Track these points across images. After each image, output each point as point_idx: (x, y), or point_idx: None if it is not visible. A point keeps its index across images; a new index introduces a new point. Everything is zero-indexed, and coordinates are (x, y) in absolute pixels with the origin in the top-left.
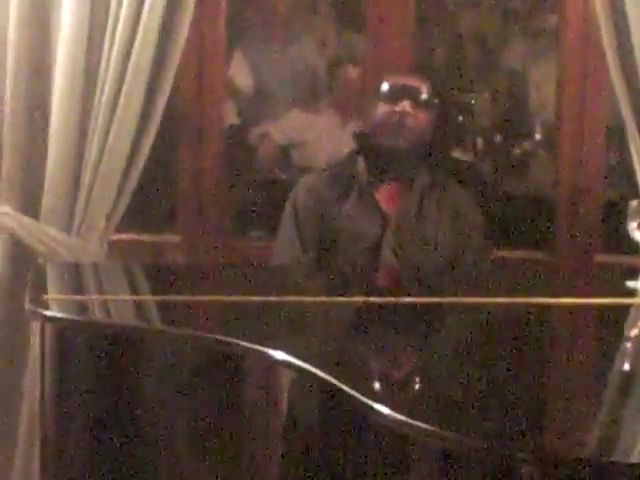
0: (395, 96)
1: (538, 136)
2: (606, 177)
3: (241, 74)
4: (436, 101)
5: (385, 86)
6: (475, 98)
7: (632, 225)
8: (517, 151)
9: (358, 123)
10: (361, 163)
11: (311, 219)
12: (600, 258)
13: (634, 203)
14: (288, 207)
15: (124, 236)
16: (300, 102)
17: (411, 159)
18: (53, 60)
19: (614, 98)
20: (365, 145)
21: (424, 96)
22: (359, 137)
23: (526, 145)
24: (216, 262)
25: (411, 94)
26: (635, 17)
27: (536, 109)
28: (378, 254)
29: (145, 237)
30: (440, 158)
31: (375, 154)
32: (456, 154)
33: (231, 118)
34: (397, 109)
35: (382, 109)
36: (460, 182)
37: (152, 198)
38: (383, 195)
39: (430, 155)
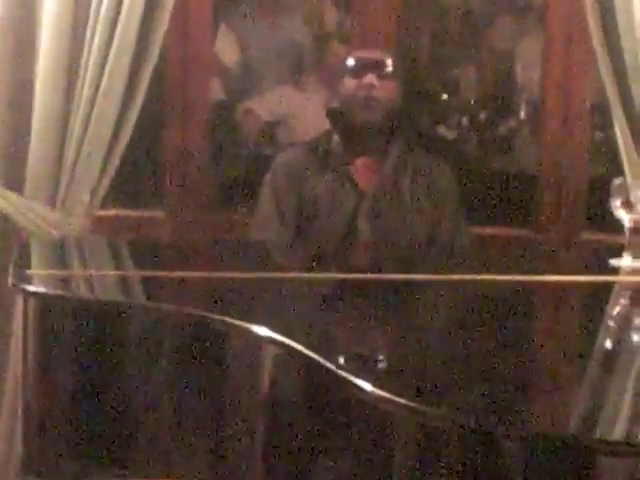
0: (360, 70)
1: (523, 114)
2: (590, 155)
3: (227, 50)
4: (400, 72)
5: (350, 61)
6: (460, 75)
7: (615, 203)
8: (502, 129)
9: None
10: (335, 139)
11: (288, 195)
12: (585, 236)
13: (617, 181)
14: (266, 184)
15: (109, 212)
16: (286, 78)
17: (383, 132)
18: (37, 34)
19: (598, 76)
20: (337, 121)
21: (389, 68)
22: (332, 113)
23: (511, 123)
24: (200, 238)
25: (376, 67)
26: None
27: (522, 87)
28: (355, 228)
29: (130, 213)
30: (413, 129)
31: (347, 129)
32: (440, 131)
33: (217, 94)
34: (364, 82)
35: (349, 84)
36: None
37: (137, 174)
38: (358, 169)
39: (402, 126)
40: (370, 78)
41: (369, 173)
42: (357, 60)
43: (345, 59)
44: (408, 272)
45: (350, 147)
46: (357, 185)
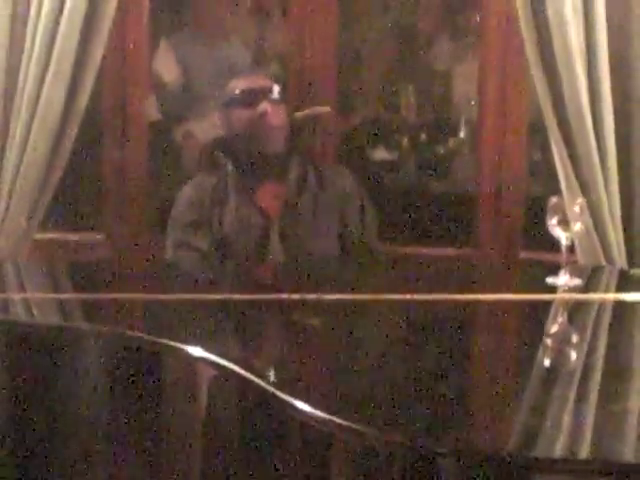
0: (252, 99)
1: (462, 134)
2: (528, 175)
3: (166, 71)
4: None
5: (237, 90)
6: (400, 96)
7: (551, 222)
8: (441, 150)
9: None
10: (229, 167)
11: (196, 228)
12: (523, 255)
13: (553, 199)
14: (172, 219)
15: (47, 235)
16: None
17: (281, 157)
18: None
19: (535, 96)
20: (230, 152)
21: (277, 94)
22: (220, 145)
23: (451, 143)
24: (137, 260)
25: (266, 94)
26: (554, 16)
27: (460, 107)
28: (267, 253)
29: (69, 236)
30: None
31: (244, 159)
32: (380, 152)
33: (155, 115)
34: (258, 111)
35: (241, 114)
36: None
37: (76, 196)
38: (263, 195)
39: (297, 147)
40: (264, 106)
41: (274, 198)
42: (246, 89)
43: (230, 90)
44: (342, 292)
45: (250, 176)
46: (264, 212)
